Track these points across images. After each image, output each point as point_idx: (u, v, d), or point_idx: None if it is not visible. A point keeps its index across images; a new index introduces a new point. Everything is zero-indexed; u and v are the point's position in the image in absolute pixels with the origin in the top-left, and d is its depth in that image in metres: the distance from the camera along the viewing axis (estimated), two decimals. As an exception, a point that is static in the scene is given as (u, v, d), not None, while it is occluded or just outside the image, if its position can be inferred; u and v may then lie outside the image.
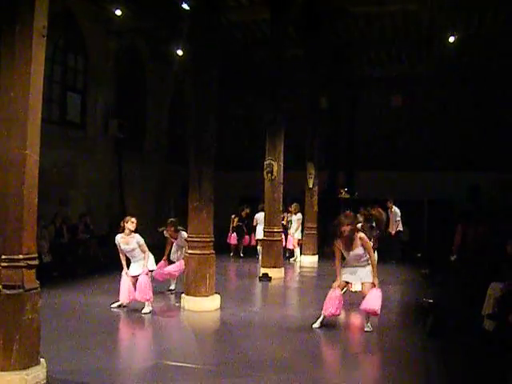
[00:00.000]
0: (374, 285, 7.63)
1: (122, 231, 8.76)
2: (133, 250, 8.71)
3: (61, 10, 14.15)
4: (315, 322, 7.83)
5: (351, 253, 7.62)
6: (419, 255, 16.58)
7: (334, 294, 7.72)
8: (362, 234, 7.63)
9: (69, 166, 15.04)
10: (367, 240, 7.68)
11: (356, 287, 8.50)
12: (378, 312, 7.59)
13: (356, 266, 7.72)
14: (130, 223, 8.70)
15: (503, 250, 8.34)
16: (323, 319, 7.81)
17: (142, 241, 8.75)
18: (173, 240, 10.26)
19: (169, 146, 20.64)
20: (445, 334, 7.35)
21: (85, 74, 16.30)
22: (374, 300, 7.53)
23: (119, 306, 8.94)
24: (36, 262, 5.12)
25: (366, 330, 7.63)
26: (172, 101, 20.95)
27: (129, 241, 8.70)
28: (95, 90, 16.48)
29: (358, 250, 7.58)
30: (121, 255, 8.85)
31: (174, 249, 10.37)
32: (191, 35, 9.84)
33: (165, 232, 10.32)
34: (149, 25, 16.56)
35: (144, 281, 8.60)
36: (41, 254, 10.17)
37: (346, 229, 7.46)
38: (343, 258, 7.89)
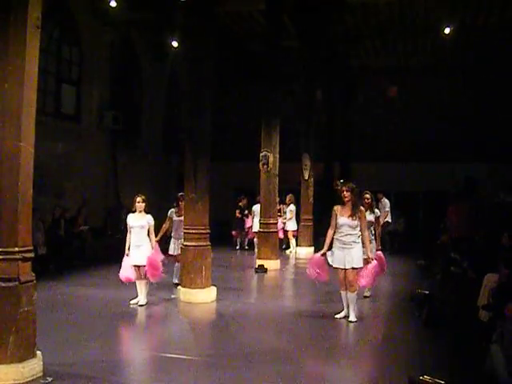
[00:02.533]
0: (367, 261, 7.83)
1: (135, 211, 8.78)
2: (142, 227, 8.65)
3: (55, 0, 14.05)
4: (339, 313, 7.94)
5: (344, 219, 7.66)
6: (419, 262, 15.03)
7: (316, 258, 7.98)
8: (361, 208, 7.84)
9: (64, 158, 14.97)
10: (364, 213, 7.84)
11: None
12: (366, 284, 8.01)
13: (345, 245, 7.64)
14: (136, 203, 8.72)
15: (498, 241, 8.37)
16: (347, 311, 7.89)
17: (152, 222, 8.76)
18: (176, 218, 10.14)
19: (164, 137, 20.57)
20: (440, 324, 7.38)
21: (79, 66, 16.20)
22: (368, 276, 7.91)
23: (137, 304, 8.75)
24: (31, 255, 5.12)
25: (350, 319, 7.67)
26: (167, 92, 20.87)
27: (139, 218, 8.69)
28: (90, 82, 16.38)
29: (352, 219, 7.64)
30: (128, 236, 8.75)
31: (171, 242, 10.33)
32: (187, 26, 9.78)
33: (170, 212, 10.27)
34: (144, 16, 16.46)
35: (152, 259, 8.60)
36: (36, 247, 10.12)
37: (346, 194, 7.73)
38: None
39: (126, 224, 8.92)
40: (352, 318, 7.67)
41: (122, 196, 17.05)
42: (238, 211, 17.75)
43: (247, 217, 17.38)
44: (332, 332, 7.51)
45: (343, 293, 7.83)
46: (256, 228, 15.23)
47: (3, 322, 4.83)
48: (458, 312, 8.32)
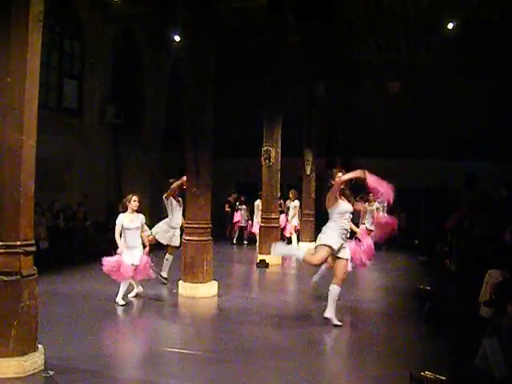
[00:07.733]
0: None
1: (125, 211, 8.52)
2: (137, 228, 8.53)
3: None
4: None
5: (347, 205, 7.28)
6: (416, 242, 16.61)
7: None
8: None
9: (65, 152, 14.97)
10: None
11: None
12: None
13: (345, 235, 7.27)
14: (133, 202, 8.50)
15: (501, 237, 8.36)
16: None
17: (144, 221, 8.71)
18: (176, 201, 9.92)
19: (166, 131, 20.53)
20: (442, 320, 7.37)
21: (82, 60, 16.19)
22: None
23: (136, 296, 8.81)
24: (33, 249, 5.12)
25: (334, 323, 7.20)
26: (169, 87, 20.82)
27: (134, 219, 8.52)
28: (92, 77, 16.36)
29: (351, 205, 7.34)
30: (117, 236, 8.39)
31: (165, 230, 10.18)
32: (189, 21, 9.74)
33: (165, 197, 9.94)
34: (146, 10, 16.40)
35: (145, 259, 8.50)
36: (38, 241, 10.12)
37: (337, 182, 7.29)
38: None
39: (115, 224, 8.52)
40: (327, 313, 7.23)
41: (124, 191, 17.04)
42: (227, 205, 17.81)
43: (236, 211, 17.44)
44: (333, 328, 7.49)
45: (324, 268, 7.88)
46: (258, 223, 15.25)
47: (5, 315, 4.84)
48: (460, 308, 8.32)
